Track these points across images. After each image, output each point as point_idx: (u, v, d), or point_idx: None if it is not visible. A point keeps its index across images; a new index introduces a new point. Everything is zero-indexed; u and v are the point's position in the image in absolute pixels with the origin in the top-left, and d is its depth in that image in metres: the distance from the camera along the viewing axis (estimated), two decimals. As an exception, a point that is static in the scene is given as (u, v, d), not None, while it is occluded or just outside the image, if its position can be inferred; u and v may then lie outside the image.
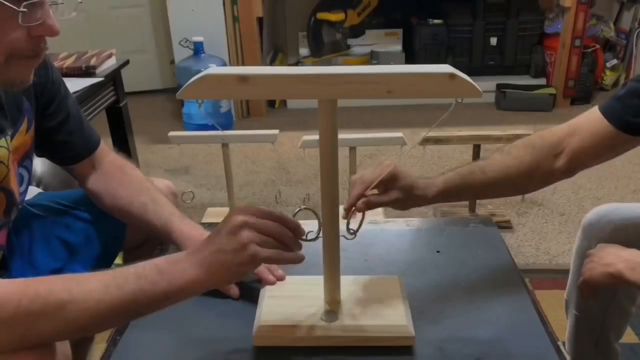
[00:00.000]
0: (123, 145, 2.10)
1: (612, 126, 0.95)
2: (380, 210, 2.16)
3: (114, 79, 2.01)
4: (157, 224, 1.04)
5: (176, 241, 1.02)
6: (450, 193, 1.00)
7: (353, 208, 0.95)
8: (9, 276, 1.02)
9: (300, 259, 0.77)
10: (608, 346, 1.23)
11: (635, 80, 0.96)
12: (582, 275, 0.97)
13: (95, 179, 1.11)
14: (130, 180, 1.10)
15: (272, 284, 0.95)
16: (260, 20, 3.33)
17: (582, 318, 1.22)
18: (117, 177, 1.11)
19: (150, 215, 1.05)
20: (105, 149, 1.14)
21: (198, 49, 3.19)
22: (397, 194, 0.96)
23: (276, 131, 2.03)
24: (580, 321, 1.23)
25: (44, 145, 1.07)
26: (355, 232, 0.92)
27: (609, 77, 3.67)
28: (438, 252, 1.11)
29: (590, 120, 0.98)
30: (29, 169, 1.02)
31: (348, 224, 0.93)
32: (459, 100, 0.76)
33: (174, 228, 1.02)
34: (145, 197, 1.07)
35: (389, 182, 0.96)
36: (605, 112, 0.96)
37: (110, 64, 2.01)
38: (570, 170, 1.00)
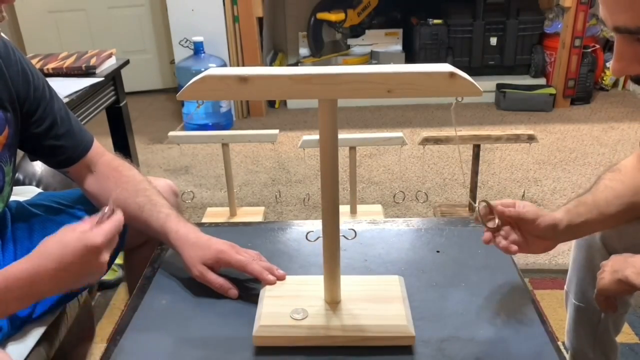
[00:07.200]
0: (123, 145, 2.10)
1: None
2: (380, 209, 2.18)
3: (114, 78, 2.01)
4: (154, 225, 1.04)
5: (173, 243, 1.02)
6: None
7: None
8: None
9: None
10: (607, 338, 1.23)
11: None
12: (596, 287, 0.97)
13: (91, 181, 1.10)
14: (127, 181, 1.09)
15: (272, 284, 0.95)
16: (260, 20, 3.33)
17: (582, 308, 1.22)
18: (113, 178, 1.09)
19: (146, 216, 1.04)
20: (100, 149, 1.13)
21: (198, 49, 3.20)
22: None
23: (276, 131, 2.03)
24: (580, 311, 1.23)
25: (34, 150, 1.06)
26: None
27: (609, 77, 3.67)
28: (438, 252, 1.11)
29: None
30: None
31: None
32: (459, 99, 0.76)
33: (171, 229, 1.02)
34: (142, 198, 1.06)
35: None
36: None
37: (110, 63, 2.01)
38: None
